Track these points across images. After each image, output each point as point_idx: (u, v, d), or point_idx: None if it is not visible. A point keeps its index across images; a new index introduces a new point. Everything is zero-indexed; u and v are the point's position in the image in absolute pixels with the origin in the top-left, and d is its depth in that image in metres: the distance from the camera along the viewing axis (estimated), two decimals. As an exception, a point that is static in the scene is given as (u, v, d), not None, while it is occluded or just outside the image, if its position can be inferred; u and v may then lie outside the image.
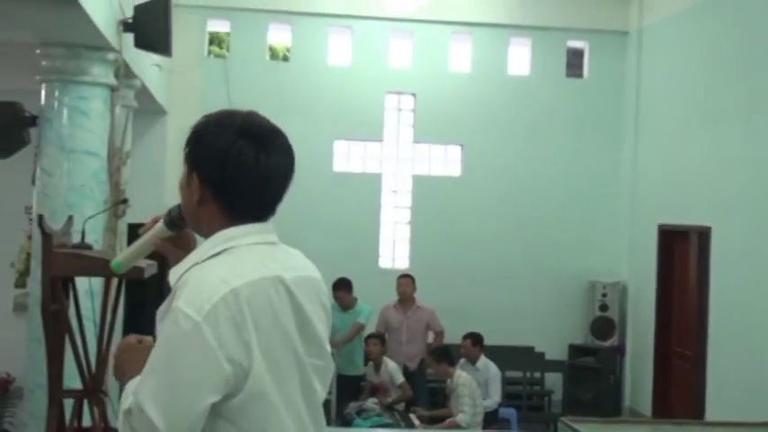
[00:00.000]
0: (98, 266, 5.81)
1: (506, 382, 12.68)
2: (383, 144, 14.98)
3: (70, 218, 6.62)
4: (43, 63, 8.43)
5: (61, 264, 5.69)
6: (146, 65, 10.73)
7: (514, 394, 13.39)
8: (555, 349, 14.35)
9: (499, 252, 14.65)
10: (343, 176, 14.69)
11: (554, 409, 13.91)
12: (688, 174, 12.85)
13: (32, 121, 8.55)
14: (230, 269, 2.62)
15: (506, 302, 14.47)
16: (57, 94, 8.41)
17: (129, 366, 2.78)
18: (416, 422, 10.68)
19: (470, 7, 14.76)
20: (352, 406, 11.23)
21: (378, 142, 14.94)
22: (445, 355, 10.82)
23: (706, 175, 12.36)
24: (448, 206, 14.68)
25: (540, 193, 14.81)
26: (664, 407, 13.34)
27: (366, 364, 12.04)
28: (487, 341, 11.75)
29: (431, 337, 12.46)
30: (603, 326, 14.36)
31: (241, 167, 2.68)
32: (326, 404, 11.53)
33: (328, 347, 2.88)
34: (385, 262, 14.94)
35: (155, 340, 2.68)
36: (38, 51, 8.43)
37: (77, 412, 6.10)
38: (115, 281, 6.24)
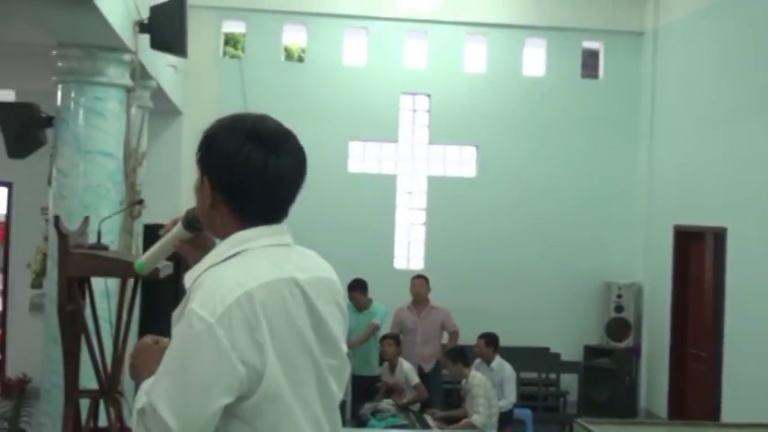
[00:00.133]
0: (114, 267, 5.84)
1: (521, 382, 12.67)
2: (398, 145, 14.97)
3: (86, 218, 6.64)
4: (59, 64, 8.46)
5: (77, 264, 5.71)
6: (161, 66, 10.76)
7: (530, 395, 13.38)
8: (570, 350, 14.33)
9: (514, 253, 14.63)
10: (357, 177, 14.69)
11: (569, 410, 13.89)
12: (704, 174, 12.82)
13: (48, 121, 8.59)
14: (244, 271, 2.63)
15: (522, 303, 14.45)
16: (73, 94, 8.43)
17: (145, 366, 2.80)
18: (431, 423, 10.68)
19: (485, 8, 14.75)
20: (368, 407, 11.22)
21: (393, 143, 14.94)
22: (460, 355, 10.82)
23: (722, 175, 12.33)
24: (463, 207, 14.67)
25: (555, 193, 14.78)
26: (679, 408, 13.30)
27: (381, 365, 12.04)
28: (503, 342, 11.73)
29: (445, 337, 12.45)
30: (619, 327, 14.32)
31: (249, 171, 2.69)
32: (342, 405, 11.47)
33: (344, 348, 2.89)
34: (400, 263, 14.93)
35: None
36: (54, 52, 8.46)
37: (93, 412, 6.12)
38: (131, 281, 6.25)
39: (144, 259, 3.15)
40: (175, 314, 2.66)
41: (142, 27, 8.68)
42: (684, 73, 13.70)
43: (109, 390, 6.08)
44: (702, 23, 13.18)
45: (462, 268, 14.41)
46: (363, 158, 14.95)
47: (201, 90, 14.03)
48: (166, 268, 5.52)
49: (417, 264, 14.82)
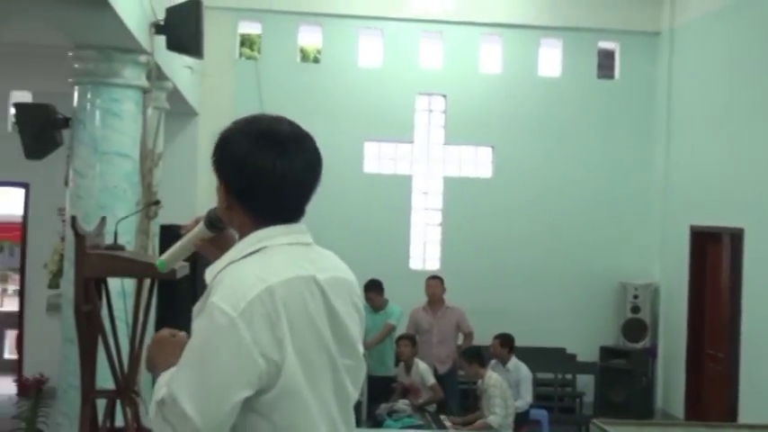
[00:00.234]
0: (130, 267, 5.85)
1: (537, 383, 12.65)
2: (414, 145, 14.98)
3: (103, 219, 6.65)
4: (76, 65, 8.48)
5: (94, 265, 5.73)
6: (177, 67, 10.78)
7: (546, 396, 13.35)
8: (586, 351, 14.30)
9: (530, 253, 14.62)
10: (373, 178, 14.70)
11: (585, 410, 13.86)
12: (720, 175, 12.78)
13: (65, 122, 8.61)
14: (265, 268, 2.67)
15: (538, 304, 14.43)
16: (89, 96, 8.45)
17: (162, 359, 2.84)
18: (447, 423, 10.67)
19: (501, 8, 14.74)
20: (384, 407, 11.23)
21: (408, 144, 14.94)
22: (476, 356, 10.81)
23: (738, 176, 12.29)
24: (479, 208, 14.66)
25: (571, 194, 14.76)
26: (696, 409, 13.27)
27: (397, 366, 12.04)
28: (519, 343, 11.72)
29: (460, 338, 12.45)
30: (635, 328, 14.29)
31: (258, 174, 2.74)
32: (358, 405, 11.50)
33: (361, 348, 2.92)
34: (416, 263, 14.94)
35: (189, 336, 2.74)
36: (70, 54, 8.48)
37: (110, 412, 6.13)
38: (147, 282, 6.27)
39: (165, 258, 3.19)
40: (196, 309, 2.70)
41: (158, 28, 8.70)
42: (700, 73, 13.66)
43: (125, 390, 6.09)
44: (718, 23, 13.15)
45: (478, 269, 14.40)
46: (379, 159, 14.96)
47: (217, 91, 14.06)
48: (183, 269, 5.53)
49: (433, 264, 14.82)
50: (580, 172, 14.80)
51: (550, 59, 15.15)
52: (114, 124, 8.45)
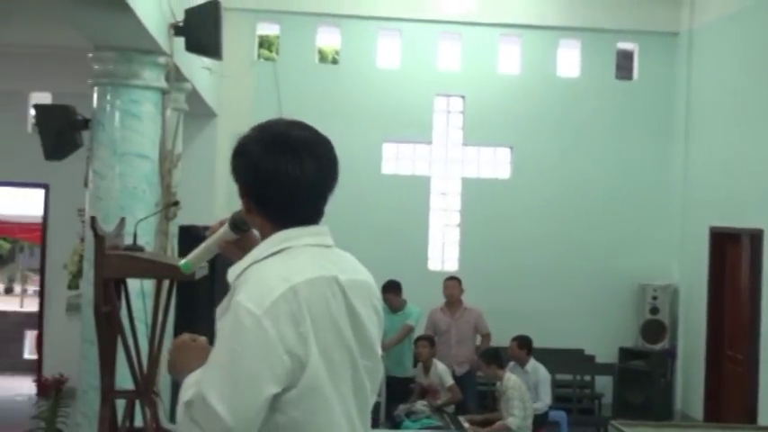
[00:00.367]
0: (150, 268, 5.87)
1: (556, 385, 12.63)
2: (432, 146, 14.98)
3: (122, 220, 6.68)
4: (95, 67, 8.51)
5: (113, 265, 5.75)
6: (196, 68, 10.80)
7: (564, 397, 13.34)
8: (605, 352, 14.28)
9: (549, 254, 14.60)
10: (391, 179, 14.70)
11: (604, 412, 13.83)
12: (739, 175, 12.74)
13: (85, 124, 8.63)
14: (289, 267, 2.73)
15: (556, 305, 14.41)
16: (109, 97, 8.48)
17: (185, 363, 2.88)
18: (466, 425, 10.66)
19: (519, 9, 14.73)
20: (402, 408, 11.23)
21: (427, 144, 14.94)
22: (495, 357, 10.79)
23: (757, 176, 12.25)
24: (497, 208, 14.65)
25: (590, 195, 14.74)
26: (715, 411, 13.22)
27: (415, 366, 12.04)
28: (537, 344, 11.70)
29: (479, 339, 12.44)
30: (654, 329, 14.25)
31: (271, 179, 2.80)
32: (376, 406, 11.49)
33: (379, 350, 2.96)
34: (434, 264, 14.93)
35: (210, 340, 2.82)
36: (90, 55, 8.51)
37: (129, 413, 6.15)
38: (166, 283, 6.28)
39: (190, 259, 3.25)
40: (220, 309, 2.76)
41: (177, 30, 8.72)
42: (719, 73, 13.62)
43: (145, 390, 6.11)
44: (737, 24, 13.10)
45: (497, 270, 14.39)
46: (397, 160, 14.96)
47: (236, 92, 14.08)
48: (202, 269, 5.54)
49: (451, 265, 14.81)
50: (599, 173, 14.77)
51: (569, 60, 15.13)
52: (133, 125, 8.47)
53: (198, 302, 9.77)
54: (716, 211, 13.39)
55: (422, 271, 14.43)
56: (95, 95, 8.54)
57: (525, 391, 10.51)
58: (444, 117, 15.02)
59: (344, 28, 14.71)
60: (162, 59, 8.63)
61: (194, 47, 8.91)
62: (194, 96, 11.34)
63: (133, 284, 6.45)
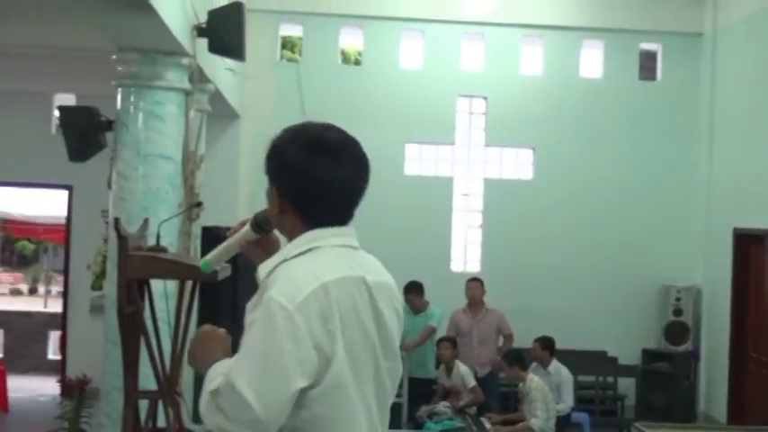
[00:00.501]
0: (173, 269, 5.89)
1: (579, 386, 12.61)
2: (455, 147, 14.96)
3: (145, 221, 6.70)
4: (119, 68, 8.54)
5: (137, 266, 5.77)
6: (219, 69, 10.83)
7: (587, 399, 13.31)
8: (628, 354, 14.23)
9: (572, 255, 14.56)
10: (414, 180, 14.69)
11: (627, 414, 13.79)
12: (763, 177, 12.66)
13: (109, 125, 8.67)
14: (319, 266, 2.79)
15: (579, 306, 14.37)
16: (132, 98, 8.51)
17: (207, 353, 2.93)
18: (488, 426, 10.65)
19: (542, 10, 14.70)
20: (424, 409, 11.24)
21: (449, 145, 14.93)
22: (517, 358, 10.77)
23: (782, 178, 12.20)
24: (520, 209, 14.62)
25: (613, 196, 14.69)
26: (739, 413, 13.16)
27: (438, 368, 12.03)
28: (560, 345, 11.68)
29: (501, 340, 12.42)
30: (677, 330, 14.20)
31: (310, 180, 2.86)
32: (398, 407, 11.54)
33: (398, 351, 3.02)
34: (457, 265, 14.91)
35: (230, 332, 2.92)
36: (114, 57, 8.55)
37: (152, 413, 6.17)
38: (189, 283, 6.30)
39: (209, 258, 3.29)
40: (250, 304, 2.81)
41: (200, 31, 8.75)
42: (744, 74, 13.55)
43: (168, 391, 6.13)
44: (761, 24, 13.03)
45: (519, 271, 14.37)
46: (420, 161, 14.95)
47: (259, 93, 14.10)
48: (225, 270, 5.56)
49: (474, 266, 14.80)
50: (622, 173, 14.72)
51: (592, 61, 15.09)
52: (157, 126, 8.50)
53: (221, 303, 9.78)
54: (740, 213, 13.32)
55: (444, 272, 14.41)
56: (119, 97, 8.58)
57: (548, 392, 10.49)
58: (467, 118, 15.00)
59: (367, 29, 14.71)
60: (185, 61, 8.66)
61: (217, 48, 8.94)
62: (217, 97, 11.37)
63: (156, 285, 6.47)
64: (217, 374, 2.75)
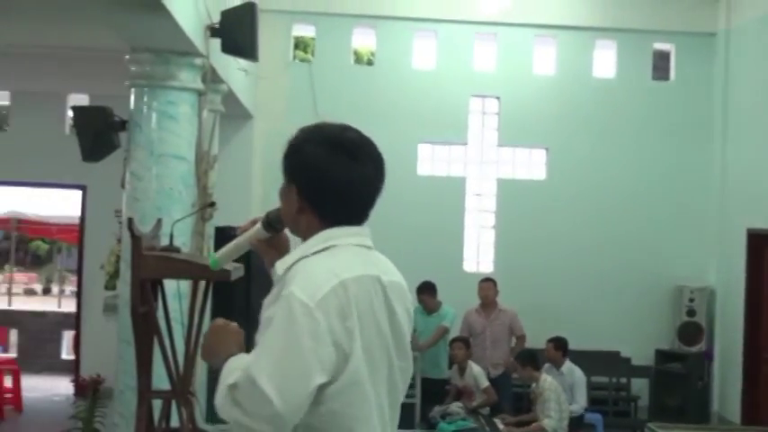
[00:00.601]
0: (186, 269, 5.90)
1: (592, 387, 12.58)
2: (467, 147, 14.95)
3: (159, 221, 6.72)
4: (132, 68, 8.57)
5: (150, 266, 5.78)
6: (232, 69, 10.85)
7: (600, 399, 13.27)
8: (641, 354, 14.21)
9: (584, 256, 14.53)
10: (427, 180, 14.69)
11: (640, 414, 13.77)
12: (778, 177, 12.64)
13: (122, 125, 8.69)
14: (337, 264, 2.82)
15: (592, 307, 14.34)
16: (146, 98, 8.53)
17: (221, 346, 2.95)
18: (501, 426, 10.64)
19: (555, 10, 14.68)
20: (437, 410, 11.23)
21: (462, 146, 14.92)
22: (530, 359, 10.76)
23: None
24: (533, 209, 14.60)
25: (626, 196, 14.65)
26: (753, 414, 13.12)
27: (450, 368, 12.02)
28: (573, 346, 11.66)
29: (514, 341, 12.40)
30: (691, 331, 14.16)
31: (333, 180, 2.89)
32: (411, 407, 11.53)
33: (410, 351, 3.05)
34: (469, 266, 14.89)
35: (247, 336, 2.92)
36: (127, 57, 8.57)
37: (166, 413, 6.19)
38: (203, 283, 6.31)
39: (219, 256, 3.31)
40: (267, 300, 2.84)
41: (213, 31, 8.77)
42: (757, 74, 13.51)
43: (181, 390, 6.14)
44: (776, 24, 13.00)
45: (532, 271, 14.35)
46: (432, 161, 14.94)
47: (272, 93, 14.12)
48: (237, 270, 5.58)
49: (487, 267, 14.78)
50: (635, 174, 14.69)
51: (605, 61, 15.06)
52: (170, 127, 8.53)
53: (234, 303, 9.80)
54: (753, 213, 13.28)
55: (457, 272, 14.40)
56: (132, 97, 8.60)
57: (561, 393, 10.48)
58: (480, 118, 14.99)
59: (380, 29, 14.72)
60: (198, 61, 8.68)
61: (230, 48, 8.96)
62: (230, 98, 11.39)
63: (170, 285, 6.49)
64: (234, 368, 2.76)
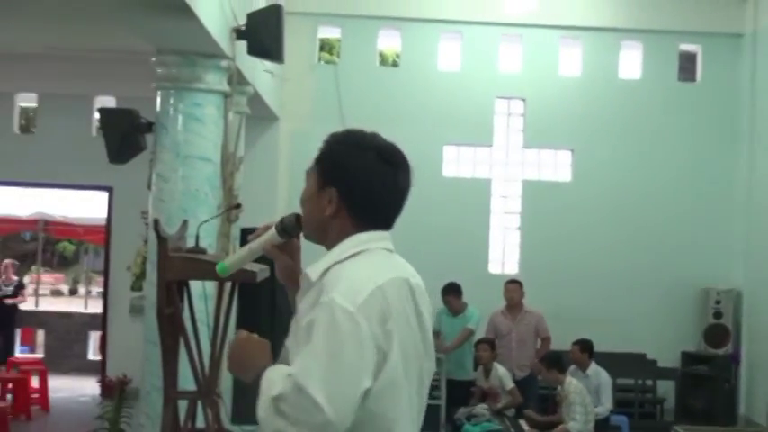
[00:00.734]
0: (212, 270, 5.86)
1: (618, 389, 12.55)
2: (493, 149, 14.93)
3: (185, 222, 6.73)
4: (158, 71, 8.60)
5: (176, 267, 5.81)
6: (258, 71, 10.87)
7: (626, 401, 13.24)
8: (667, 356, 14.15)
9: (610, 258, 14.48)
10: (452, 182, 14.67)
11: (666, 417, 13.73)
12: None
13: (148, 127, 8.73)
14: (373, 268, 2.86)
15: (618, 309, 14.29)
16: (172, 101, 8.57)
17: (250, 360, 2.93)
18: (526, 428, 10.63)
19: (580, 11, 14.64)
20: (462, 411, 11.22)
21: (487, 147, 14.90)
22: (556, 362, 10.74)
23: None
24: (558, 211, 14.56)
25: (652, 198, 14.60)
26: (780, 416, 13.07)
27: (476, 370, 12.01)
28: (599, 348, 11.62)
29: (539, 342, 12.37)
30: (717, 333, 14.10)
31: (383, 188, 2.95)
32: (437, 409, 11.53)
33: (434, 351, 3.09)
34: (495, 267, 14.87)
35: (272, 340, 2.93)
36: (153, 59, 8.60)
37: (191, 413, 6.21)
38: (228, 285, 6.33)
39: (227, 263, 3.24)
40: (303, 307, 2.88)
41: (239, 34, 8.79)
42: (785, 75, 13.45)
43: (207, 391, 6.16)
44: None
45: (557, 273, 14.31)
46: (458, 163, 14.93)
47: (297, 95, 14.15)
48: (263, 272, 5.59)
49: (512, 268, 14.75)
50: (661, 176, 14.64)
51: (630, 62, 15.01)
52: (196, 129, 8.56)
53: (259, 304, 9.81)
54: (781, 215, 13.23)
55: (482, 274, 14.39)
56: (159, 99, 8.63)
57: (587, 395, 10.45)
58: (505, 120, 14.97)
59: (405, 31, 14.72)
60: (224, 63, 8.71)
61: (256, 50, 8.98)
62: (256, 99, 11.42)
63: (195, 286, 6.51)
64: (275, 379, 2.74)
